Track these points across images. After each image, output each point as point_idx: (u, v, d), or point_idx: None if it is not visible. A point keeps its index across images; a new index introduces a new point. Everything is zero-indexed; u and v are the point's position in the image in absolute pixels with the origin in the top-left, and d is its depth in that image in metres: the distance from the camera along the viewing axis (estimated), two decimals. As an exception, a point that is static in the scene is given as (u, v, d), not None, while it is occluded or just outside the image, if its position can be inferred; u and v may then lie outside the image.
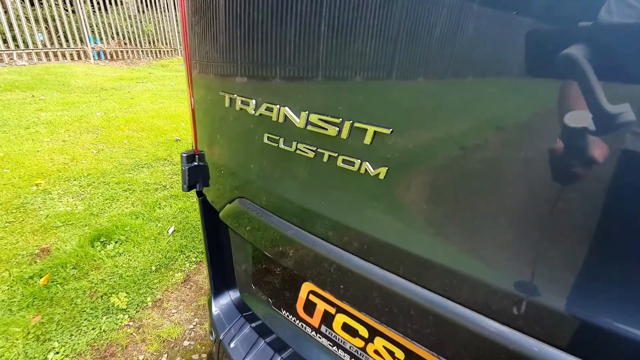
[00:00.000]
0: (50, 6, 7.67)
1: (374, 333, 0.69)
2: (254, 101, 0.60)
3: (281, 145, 0.58)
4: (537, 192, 0.38)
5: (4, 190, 2.76)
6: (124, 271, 2.14)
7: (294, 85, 0.54)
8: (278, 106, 0.56)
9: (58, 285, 1.97)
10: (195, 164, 0.87)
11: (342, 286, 0.62)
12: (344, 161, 0.51)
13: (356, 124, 0.47)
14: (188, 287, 2.13)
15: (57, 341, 1.68)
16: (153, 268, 2.22)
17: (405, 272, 0.51)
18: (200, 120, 0.80)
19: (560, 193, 0.37)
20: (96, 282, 2.04)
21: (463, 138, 0.40)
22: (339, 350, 0.77)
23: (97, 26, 8.63)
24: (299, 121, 0.54)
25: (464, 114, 0.40)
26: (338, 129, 0.49)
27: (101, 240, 2.35)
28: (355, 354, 0.73)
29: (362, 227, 0.54)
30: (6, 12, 7.00)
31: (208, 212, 0.95)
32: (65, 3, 7.93)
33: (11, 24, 7.02)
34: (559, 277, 0.39)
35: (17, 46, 7.17)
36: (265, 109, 0.58)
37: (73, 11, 8.12)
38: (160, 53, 10.37)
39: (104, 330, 1.77)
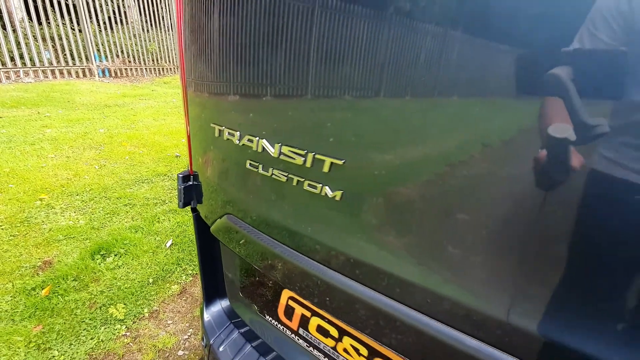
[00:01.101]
0: (58, 25, 7.94)
1: (342, 333, 0.78)
2: (238, 133, 0.71)
3: (260, 171, 0.69)
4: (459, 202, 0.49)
5: (9, 205, 2.87)
6: (122, 283, 2.23)
7: (270, 122, 0.66)
8: (257, 138, 0.67)
9: (59, 296, 2.05)
10: (190, 183, 0.98)
11: (313, 292, 0.73)
12: (309, 185, 0.62)
13: (317, 156, 0.58)
14: (184, 299, 2.21)
15: (57, 350, 1.76)
16: (150, 280, 2.30)
17: (362, 278, 0.61)
18: (194, 146, 0.91)
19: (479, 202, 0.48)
20: (95, 294, 2.12)
21: (399, 170, 0.52)
22: (315, 350, 0.86)
23: (102, 44, 8.90)
24: (273, 151, 0.65)
25: (402, 150, 0.51)
26: (304, 159, 0.60)
27: (101, 253, 2.44)
28: (328, 353, 0.83)
29: (325, 240, 0.64)
30: (14, 30, 7.26)
31: (201, 227, 1.05)
32: (72, 22, 8.21)
33: (19, 42, 7.26)
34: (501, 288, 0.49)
35: (23, 64, 7.40)
36: (247, 140, 0.70)
37: (80, 30, 8.41)
38: (163, 70, 10.65)
39: (101, 340, 1.84)
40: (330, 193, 0.59)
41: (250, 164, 0.71)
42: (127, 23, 9.89)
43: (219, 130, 0.76)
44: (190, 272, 2.41)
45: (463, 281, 0.51)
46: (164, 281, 2.31)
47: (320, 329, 0.83)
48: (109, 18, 9.17)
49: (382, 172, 0.53)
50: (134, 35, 9.80)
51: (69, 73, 8.24)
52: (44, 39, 7.81)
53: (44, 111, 5.45)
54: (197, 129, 0.86)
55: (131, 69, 9.66)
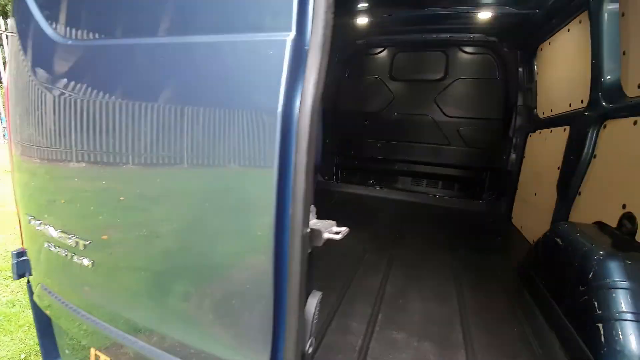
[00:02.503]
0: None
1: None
2: (39, 222, 0.99)
3: (51, 248, 0.96)
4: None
5: None
6: (-13, 363, 2.15)
7: (52, 218, 0.95)
8: (47, 226, 0.95)
9: None
10: (23, 258, 1.19)
11: (103, 343, 0.98)
12: (77, 258, 0.90)
13: (77, 239, 0.88)
14: (57, 371, 2.18)
15: None
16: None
17: (110, 320, 0.89)
18: (23, 225, 1.15)
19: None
20: (-46, 378, 2.02)
21: (112, 248, 0.83)
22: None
23: (7, 106, 8.45)
24: (56, 235, 0.93)
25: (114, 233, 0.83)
26: (71, 240, 0.90)
27: (-33, 333, 2.33)
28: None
29: (89, 297, 0.92)
30: None
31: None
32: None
33: None
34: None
35: None
36: (44, 227, 0.97)
37: (-18, 92, 7.97)
38: (79, 130, 10.28)
39: None
40: (87, 263, 0.88)
41: (47, 244, 0.98)
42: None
43: (32, 220, 1.03)
44: (69, 342, 2.39)
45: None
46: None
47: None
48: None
49: (105, 248, 0.85)
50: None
51: (-36, 136, 7.62)
52: None
53: None
54: (21, 214, 1.12)
55: (41, 130, 9.19)
